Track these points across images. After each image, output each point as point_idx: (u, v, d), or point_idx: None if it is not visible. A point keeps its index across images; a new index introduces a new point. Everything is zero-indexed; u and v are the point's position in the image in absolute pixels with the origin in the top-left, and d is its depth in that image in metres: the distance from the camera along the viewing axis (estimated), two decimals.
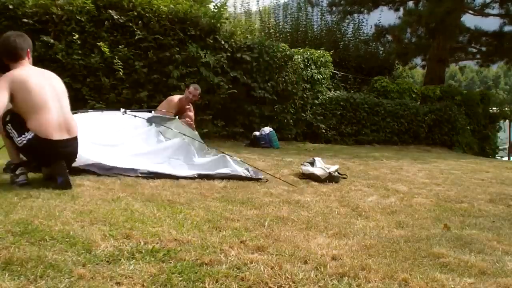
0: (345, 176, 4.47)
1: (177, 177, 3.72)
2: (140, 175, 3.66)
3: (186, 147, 4.41)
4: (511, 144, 13.94)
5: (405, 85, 11.80)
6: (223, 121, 8.33)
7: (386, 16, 16.03)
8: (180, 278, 1.70)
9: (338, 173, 4.35)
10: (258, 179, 3.92)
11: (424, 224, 2.81)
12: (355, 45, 15.22)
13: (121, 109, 4.71)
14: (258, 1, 24.70)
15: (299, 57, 9.54)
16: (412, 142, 11.26)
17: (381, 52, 15.99)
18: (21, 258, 1.74)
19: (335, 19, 15.61)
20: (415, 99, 11.59)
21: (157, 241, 2.07)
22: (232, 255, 1.96)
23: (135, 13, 7.70)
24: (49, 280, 1.61)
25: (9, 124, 3.00)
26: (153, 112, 5.22)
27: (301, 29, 14.64)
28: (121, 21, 7.51)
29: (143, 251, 1.94)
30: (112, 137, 4.25)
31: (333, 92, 10.67)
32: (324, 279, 1.78)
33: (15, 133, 2.99)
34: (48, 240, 1.98)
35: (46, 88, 3.07)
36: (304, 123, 9.72)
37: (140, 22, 7.63)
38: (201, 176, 3.80)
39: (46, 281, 1.60)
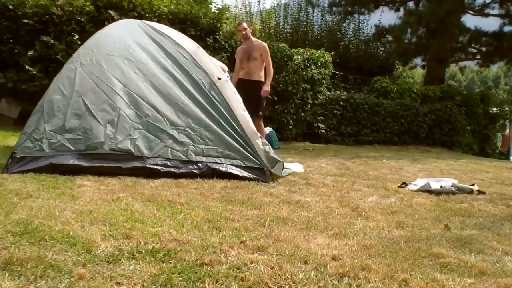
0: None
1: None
2: (148, 166, 3.66)
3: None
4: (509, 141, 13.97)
5: (405, 85, 11.79)
6: None
7: (386, 17, 16.03)
8: (180, 278, 1.70)
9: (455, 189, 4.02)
10: (261, 180, 3.91)
11: (424, 224, 2.80)
12: (355, 45, 15.21)
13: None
14: (259, 2, 24.72)
15: (299, 57, 9.54)
16: (412, 142, 11.25)
17: (381, 52, 15.97)
18: (21, 258, 1.74)
19: (335, 19, 15.61)
20: (415, 99, 11.58)
21: (157, 241, 2.07)
22: (232, 255, 1.96)
23: (135, 14, 7.70)
24: (49, 280, 1.61)
25: None
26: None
27: (301, 30, 14.64)
28: None
29: (143, 251, 1.94)
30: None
31: (333, 92, 10.66)
32: (324, 279, 1.78)
33: None
34: (48, 240, 1.98)
35: None
36: (304, 123, 9.72)
37: None
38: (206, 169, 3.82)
39: (46, 281, 1.60)
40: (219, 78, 4.24)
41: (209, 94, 4.11)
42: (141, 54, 4.17)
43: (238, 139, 3.99)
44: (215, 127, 3.98)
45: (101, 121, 3.75)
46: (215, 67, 4.39)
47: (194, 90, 4.09)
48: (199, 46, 4.53)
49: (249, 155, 3.96)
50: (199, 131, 3.93)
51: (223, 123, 4.01)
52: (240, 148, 3.97)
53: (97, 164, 3.60)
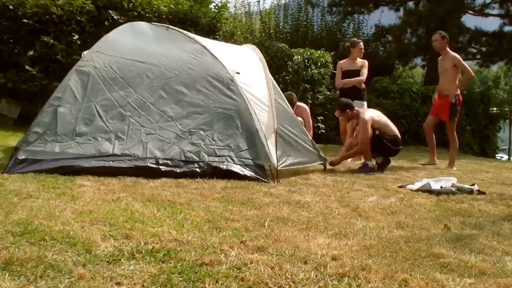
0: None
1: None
2: (150, 165, 3.66)
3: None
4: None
5: (405, 85, 11.79)
6: None
7: (386, 17, 16.04)
8: (180, 278, 1.70)
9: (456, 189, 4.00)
10: (260, 180, 3.89)
11: (424, 224, 2.80)
12: None
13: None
14: (258, 2, 24.78)
15: (299, 57, 9.54)
16: (412, 142, 11.25)
17: (381, 52, 15.98)
18: (21, 258, 1.74)
19: (335, 19, 15.62)
20: (415, 99, 11.58)
21: (157, 241, 2.07)
22: (232, 255, 1.96)
23: (135, 13, 7.71)
24: (49, 280, 1.61)
25: None
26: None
27: (301, 30, 14.64)
28: (121, 21, 7.50)
29: (143, 251, 1.94)
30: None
31: (333, 92, 10.66)
32: (324, 279, 1.78)
33: None
34: (48, 240, 1.98)
35: None
36: None
37: None
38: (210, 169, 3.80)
39: (46, 281, 1.60)
40: (238, 73, 4.21)
41: (226, 90, 4.09)
42: (155, 55, 4.16)
43: (250, 137, 3.97)
44: (227, 126, 3.97)
45: (112, 128, 3.77)
46: (232, 62, 4.36)
47: (208, 89, 4.08)
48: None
49: (260, 153, 3.94)
50: (211, 132, 3.93)
51: (236, 121, 3.99)
52: (251, 147, 3.94)
53: (97, 165, 3.60)
